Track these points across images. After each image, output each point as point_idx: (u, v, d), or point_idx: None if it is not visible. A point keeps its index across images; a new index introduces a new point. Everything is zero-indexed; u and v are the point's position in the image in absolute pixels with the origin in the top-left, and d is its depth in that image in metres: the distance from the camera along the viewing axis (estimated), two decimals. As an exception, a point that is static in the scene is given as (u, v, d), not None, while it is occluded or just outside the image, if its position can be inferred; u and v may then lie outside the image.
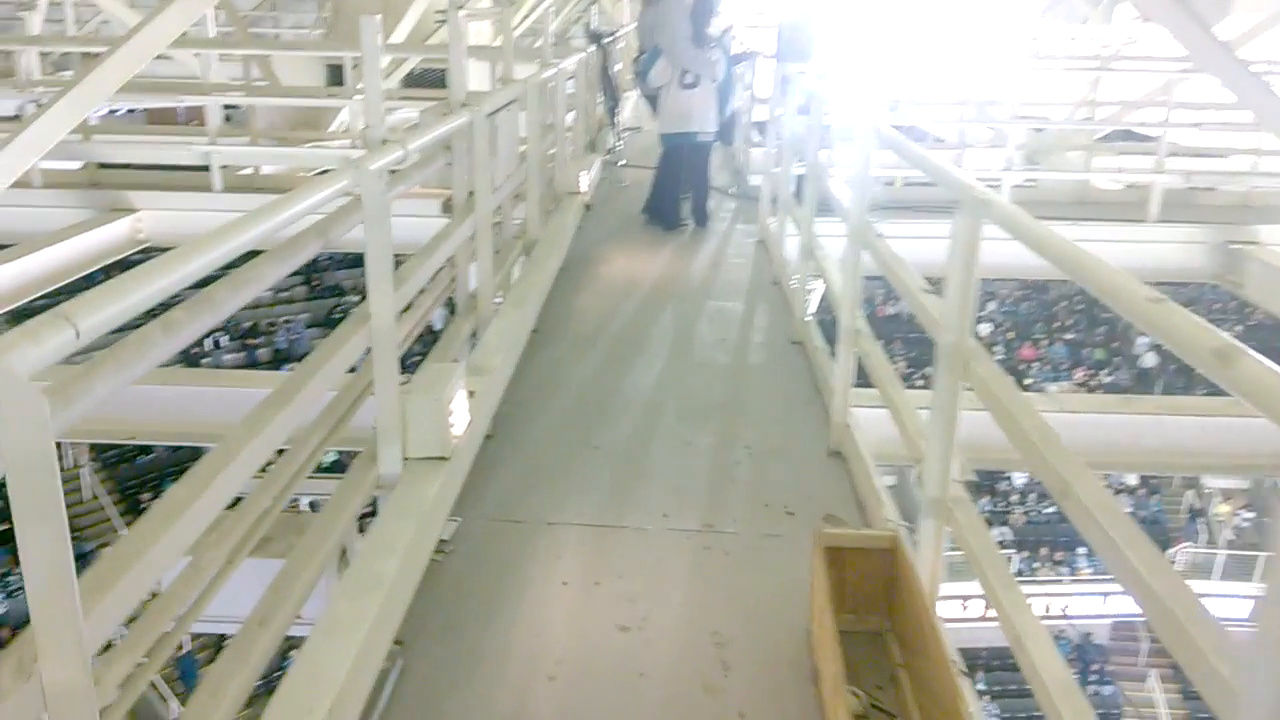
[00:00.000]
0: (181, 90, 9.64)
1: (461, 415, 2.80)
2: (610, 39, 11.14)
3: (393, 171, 2.91)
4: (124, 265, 9.68)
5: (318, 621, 2.22)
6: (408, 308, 3.04)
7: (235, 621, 2.49)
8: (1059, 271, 2.01)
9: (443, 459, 2.66)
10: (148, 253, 8.27)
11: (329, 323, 24.30)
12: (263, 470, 2.39)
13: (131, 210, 8.09)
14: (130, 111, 20.55)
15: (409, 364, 3.03)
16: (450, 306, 4.26)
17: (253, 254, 2.23)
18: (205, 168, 8.09)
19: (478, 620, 2.77)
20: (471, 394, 3.08)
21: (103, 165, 8.61)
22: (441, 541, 3.01)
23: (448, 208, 3.88)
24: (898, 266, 3.09)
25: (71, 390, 1.44)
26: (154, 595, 2.22)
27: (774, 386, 4.74)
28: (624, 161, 9.97)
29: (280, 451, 2.49)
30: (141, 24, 5.72)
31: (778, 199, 7.05)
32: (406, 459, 2.67)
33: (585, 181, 6.44)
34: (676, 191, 7.71)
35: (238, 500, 2.35)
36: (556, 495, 3.53)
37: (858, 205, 3.66)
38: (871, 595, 2.75)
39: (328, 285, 25.39)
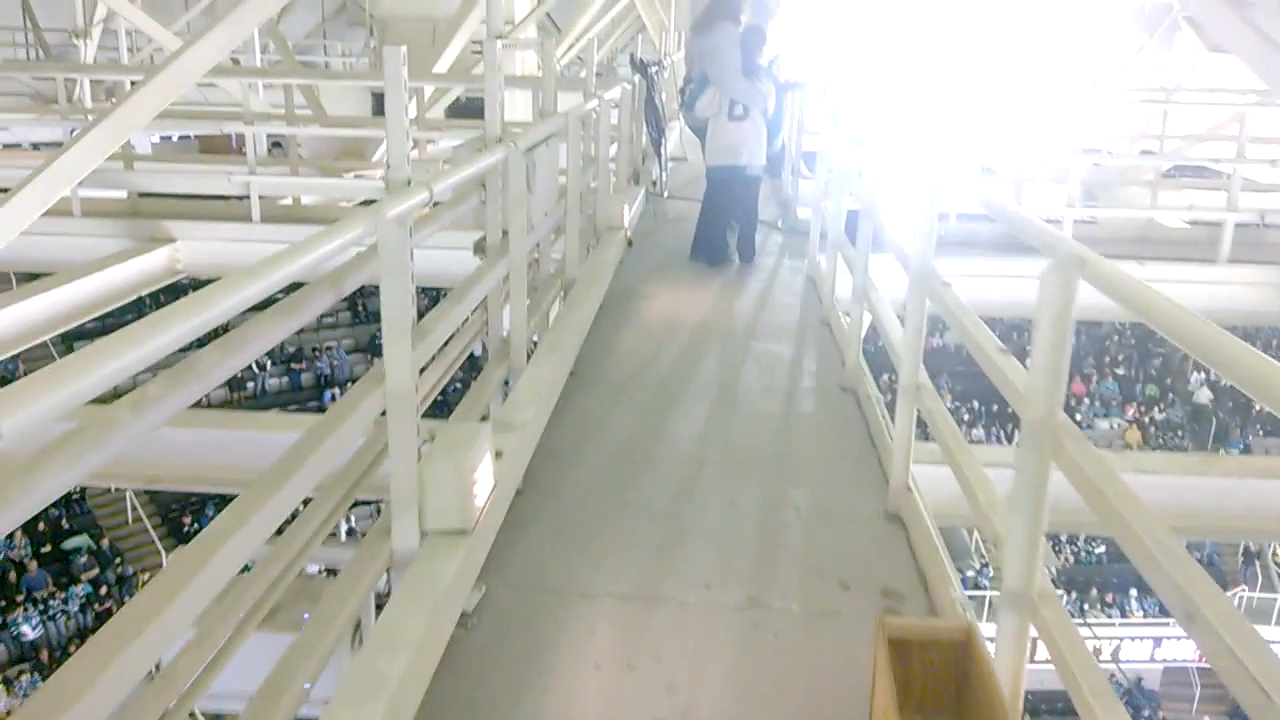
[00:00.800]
0: (221, 118, 9.61)
1: (486, 482, 2.56)
2: (656, 68, 10.97)
3: (433, 202, 2.70)
4: (160, 295, 9.71)
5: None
6: (432, 359, 2.80)
7: (241, 698, 2.29)
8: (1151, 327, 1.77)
9: (463, 533, 2.41)
10: (180, 284, 8.20)
11: (373, 348, 24.35)
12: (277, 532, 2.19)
13: (169, 240, 8.02)
14: (184, 138, 20.81)
15: (442, 401, 2.81)
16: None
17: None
18: (246, 197, 8.01)
19: (500, 708, 2.51)
20: (499, 455, 2.84)
21: (144, 194, 8.58)
22: (463, 615, 2.76)
23: (480, 248, 3.64)
24: (970, 323, 2.80)
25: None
26: (157, 667, 2.03)
27: (825, 438, 4.45)
28: (668, 193, 9.75)
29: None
30: (176, 53, 5.63)
31: (827, 234, 6.78)
32: (424, 532, 2.43)
33: (627, 216, 6.23)
34: (724, 226, 7.47)
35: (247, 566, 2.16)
36: (590, 560, 3.27)
37: (922, 251, 3.38)
38: (941, 694, 2.45)
39: (372, 310, 25.43)
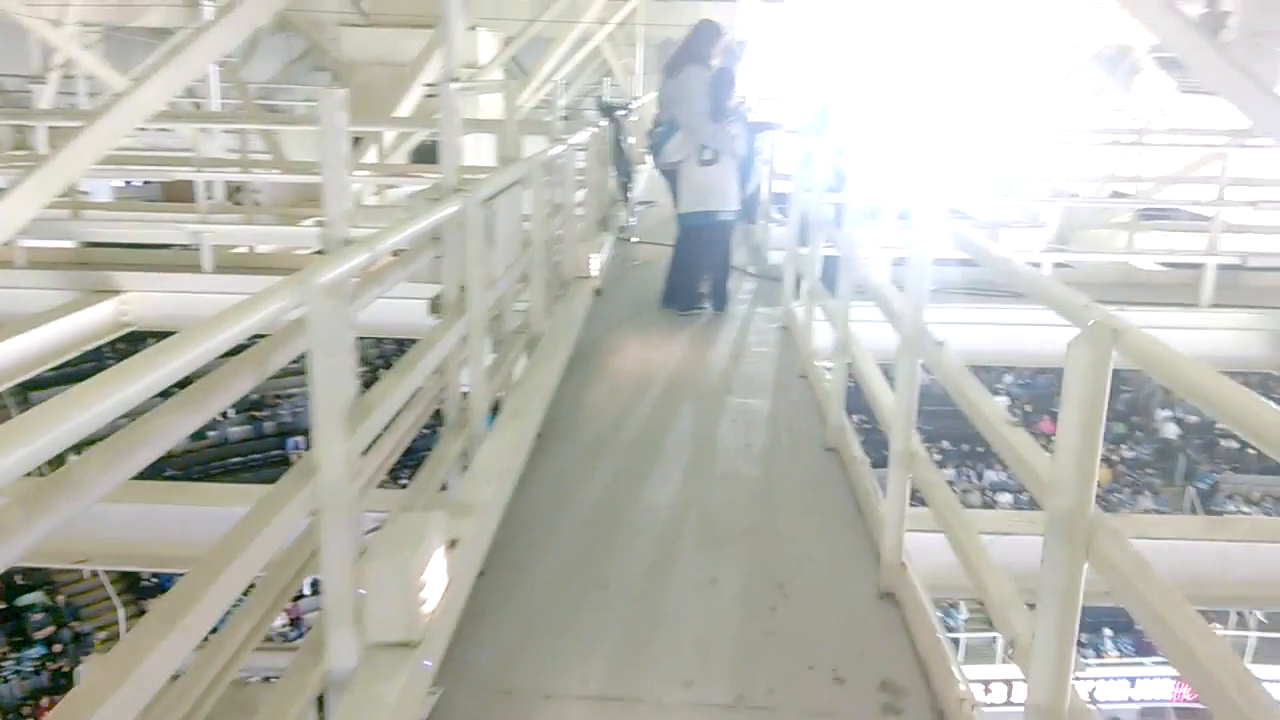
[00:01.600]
0: (174, 164, 9.29)
1: (437, 581, 2.25)
2: (623, 112, 10.80)
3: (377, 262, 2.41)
4: (103, 351, 9.33)
5: None
6: (376, 440, 2.50)
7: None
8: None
9: (410, 645, 2.10)
10: (130, 338, 7.83)
11: (336, 395, 23.72)
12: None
13: (116, 291, 7.65)
14: (148, 184, 20.38)
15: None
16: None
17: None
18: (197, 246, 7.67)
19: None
20: (454, 544, 2.52)
21: (93, 244, 8.22)
22: (414, 729, 2.43)
23: (436, 307, 3.35)
24: (971, 389, 2.54)
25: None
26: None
27: (808, 504, 4.17)
28: (637, 238, 9.52)
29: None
30: (118, 98, 5.35)
31: (802, 281, 6.56)
32: (365, 646, 2.11)
33: (596, 264, 5.97)
34: (696, 274, 7.24)
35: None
36: (558, 654, 2.95)
37: (912, 308, 3.13)
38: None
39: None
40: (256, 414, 24.12)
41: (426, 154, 14.00)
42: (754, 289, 8.11)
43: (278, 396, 24.17)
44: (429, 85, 10.26)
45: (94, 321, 7.68)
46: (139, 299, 7.66)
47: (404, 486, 3.89)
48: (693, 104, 6.79)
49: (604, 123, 8.84)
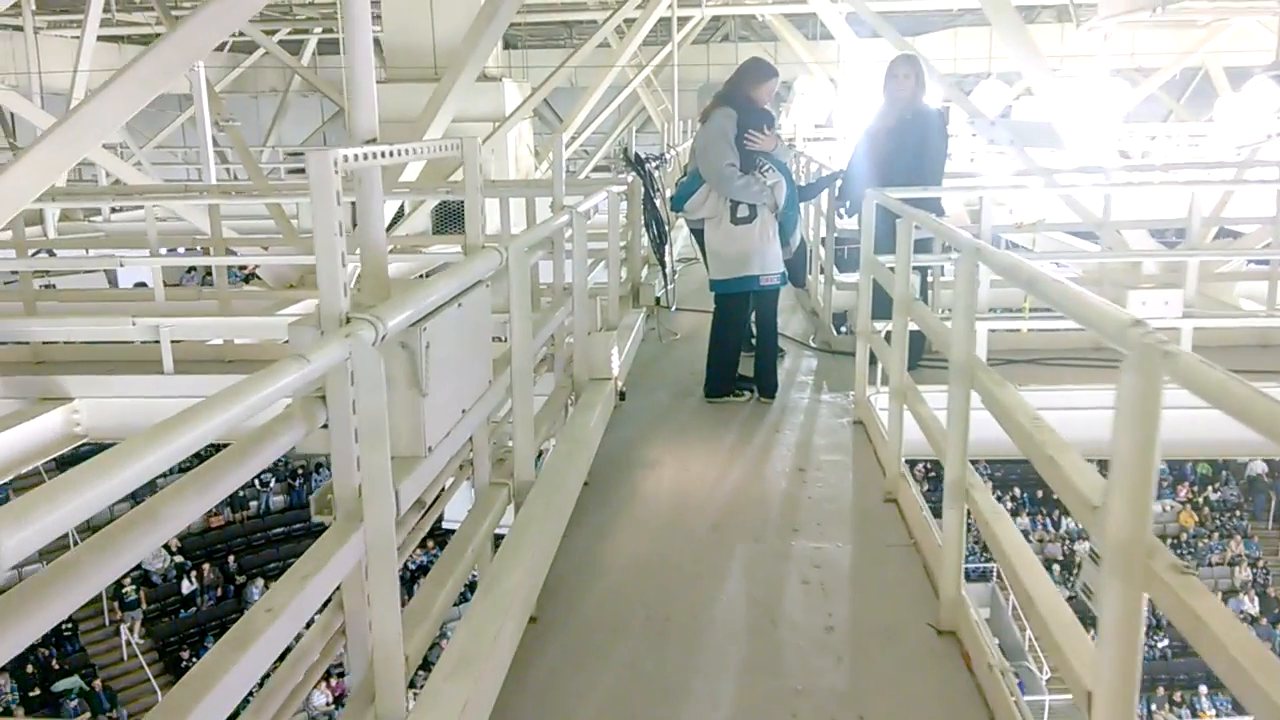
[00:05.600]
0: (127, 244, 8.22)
1: None
2: (657, 162, 9.58)
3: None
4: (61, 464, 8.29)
5: None
6: None
7: None
8: None
9: None
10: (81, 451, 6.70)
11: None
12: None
13: (66, 399, 6.54)
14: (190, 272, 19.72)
15: None
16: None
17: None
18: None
19: None
20: None
21: (49, 343, 7.16)
22: None
23: (323, 505, 2.07)
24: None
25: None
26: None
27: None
28: (676, 306, 8.23)
29: None
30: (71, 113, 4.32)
31: (880, 361, 5.23)
32: None
33: (617, 361, 4.68)
34: (736, 354, 5.94)
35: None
36: None
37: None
38: None
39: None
40: (292, 483, 23.66)
41: (453, 217, 12.96)
42: (816, 368, 6.77)
43: (318, 465, 23.44)
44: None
45: (45, 433, 6.57)
46: (92, 407, 6.53)
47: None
48: (714, 153, 5.56)
49: (630, 177, 7.59)
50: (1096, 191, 7.80)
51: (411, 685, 2.23)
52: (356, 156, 2.17)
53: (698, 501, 4.42)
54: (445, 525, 3.59)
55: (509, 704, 2.77)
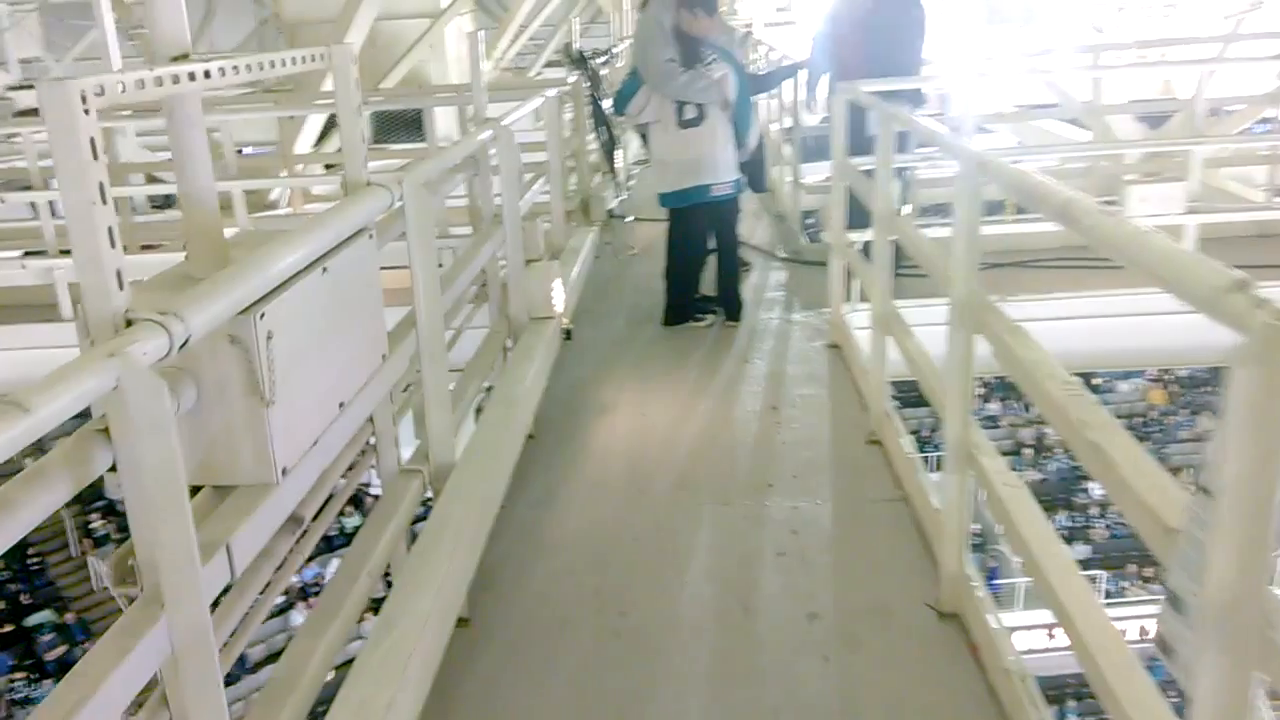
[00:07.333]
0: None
1: None
2: (605, 57, 8.77)
3: None
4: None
5: None
6: None
7: None
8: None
9: None
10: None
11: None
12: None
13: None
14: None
15: None
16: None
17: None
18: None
19: None
20: None
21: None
22: None
23: (123, 575, 1.51)
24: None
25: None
26: None
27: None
28: (631, 217, 7.56)
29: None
30: None
31: (855, 268, 4.69)
32: None
33: (560, 295, 4.07)
34: (694, 273, 5.35)
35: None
36: None
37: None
38: None
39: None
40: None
41: (391, 123, 12.03)
42: (786, 281, 6.19)
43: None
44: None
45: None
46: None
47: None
48: (649, 50, 4.88)
49: (573, 78, 6.83)
50: (1081, 75, 7.13)
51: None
52: (135, 84, 1.52)
53: (657, 454, 3.88)
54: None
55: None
